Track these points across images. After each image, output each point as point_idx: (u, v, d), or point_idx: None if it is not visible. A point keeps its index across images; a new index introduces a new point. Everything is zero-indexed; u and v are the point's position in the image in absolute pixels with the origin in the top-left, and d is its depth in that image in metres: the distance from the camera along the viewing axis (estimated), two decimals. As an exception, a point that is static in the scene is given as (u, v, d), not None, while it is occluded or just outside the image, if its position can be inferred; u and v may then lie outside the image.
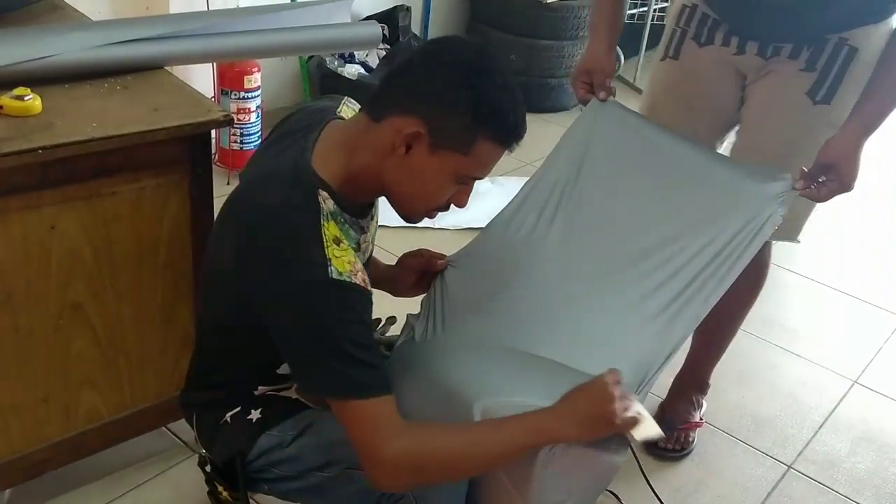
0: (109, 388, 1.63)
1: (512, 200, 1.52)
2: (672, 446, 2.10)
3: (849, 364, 2.58)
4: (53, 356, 1.52)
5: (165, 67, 1.62)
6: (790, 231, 1.74)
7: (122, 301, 1.56)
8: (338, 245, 1.11)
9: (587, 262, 1.42)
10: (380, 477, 1.13)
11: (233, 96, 2.95)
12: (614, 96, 1.55)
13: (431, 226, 2.94)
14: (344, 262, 1.10)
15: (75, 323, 1.52)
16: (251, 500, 1.40)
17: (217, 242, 1.29)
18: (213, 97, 2.99)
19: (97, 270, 1.50)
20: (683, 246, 1.35)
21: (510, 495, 1.23)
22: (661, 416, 2.12)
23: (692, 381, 2.14)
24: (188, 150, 1.52)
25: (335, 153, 1.18)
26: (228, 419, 1.33)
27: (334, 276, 1.08)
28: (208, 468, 1.39)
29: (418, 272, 1.48)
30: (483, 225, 3.03)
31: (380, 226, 2.79)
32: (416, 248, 1.52)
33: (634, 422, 1.14)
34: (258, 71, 2.97)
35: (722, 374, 2.18)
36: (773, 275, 1.87)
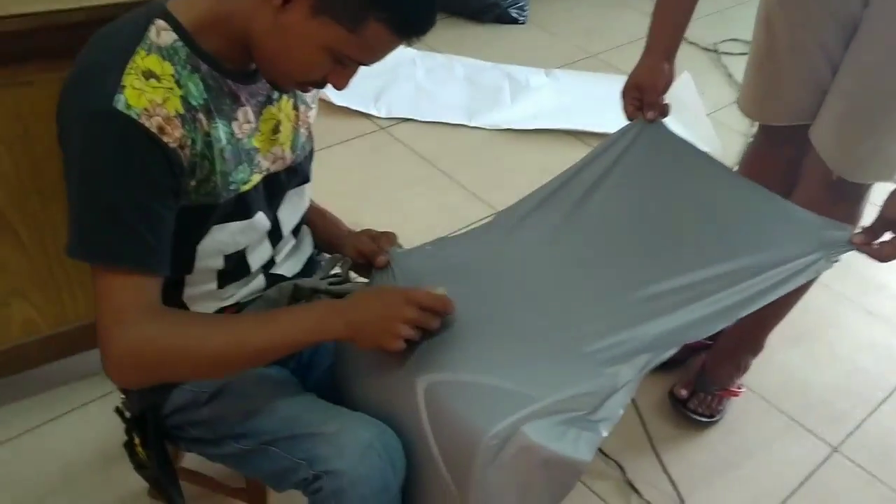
0: (45, 300, 1.51)
1: (519, 202, 1.35)
2: (700, 410, 1.85)
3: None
4: (-26, 266, 1.38)
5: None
6: (888, 173, 1.51)
7: (49, 204, 1.40)
8: (146, 79, 0.93)
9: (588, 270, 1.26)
10: (108, 369, 0.97)
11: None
12: (666, 115, 1.40)
13: (467, 123, 2.64)
14: (141, 98, 0.92)
15: (-5, 230, 1.37)
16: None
17: None
18: None
19: (16, 172, 1.34)
20: (707, 265, 1.20)
21: (451, 495, 1.05)
22: (700, 373, 1.87)
23: (746, 341, 1.84)
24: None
25: None
26: None
27: (119, 106, 0.90)
28: (127, 415, 1.24)
29: (363, 257, 1.27)
30: (524, 127, 2.69)
31: (409, 119, 2.43)
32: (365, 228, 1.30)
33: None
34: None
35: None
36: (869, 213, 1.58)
